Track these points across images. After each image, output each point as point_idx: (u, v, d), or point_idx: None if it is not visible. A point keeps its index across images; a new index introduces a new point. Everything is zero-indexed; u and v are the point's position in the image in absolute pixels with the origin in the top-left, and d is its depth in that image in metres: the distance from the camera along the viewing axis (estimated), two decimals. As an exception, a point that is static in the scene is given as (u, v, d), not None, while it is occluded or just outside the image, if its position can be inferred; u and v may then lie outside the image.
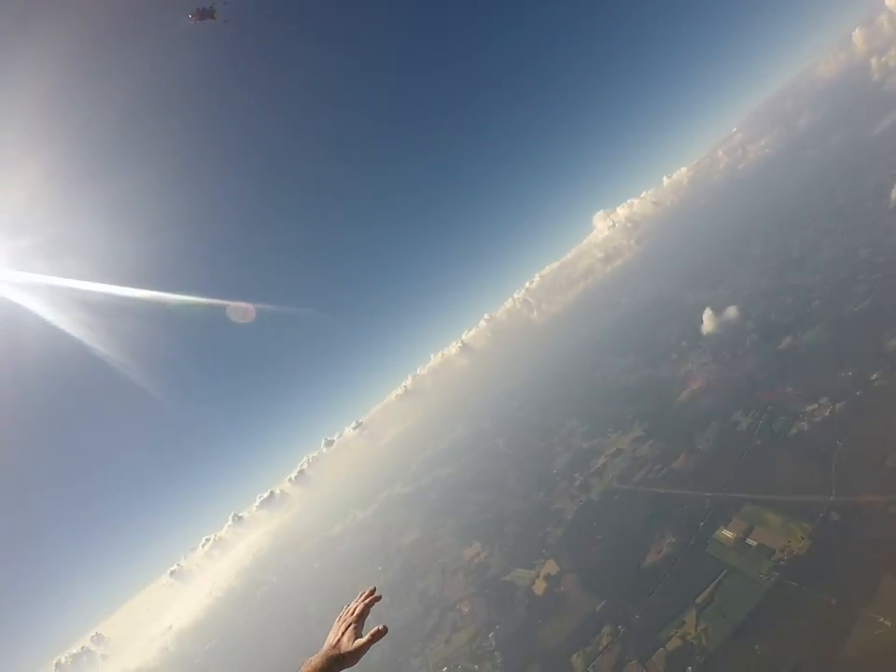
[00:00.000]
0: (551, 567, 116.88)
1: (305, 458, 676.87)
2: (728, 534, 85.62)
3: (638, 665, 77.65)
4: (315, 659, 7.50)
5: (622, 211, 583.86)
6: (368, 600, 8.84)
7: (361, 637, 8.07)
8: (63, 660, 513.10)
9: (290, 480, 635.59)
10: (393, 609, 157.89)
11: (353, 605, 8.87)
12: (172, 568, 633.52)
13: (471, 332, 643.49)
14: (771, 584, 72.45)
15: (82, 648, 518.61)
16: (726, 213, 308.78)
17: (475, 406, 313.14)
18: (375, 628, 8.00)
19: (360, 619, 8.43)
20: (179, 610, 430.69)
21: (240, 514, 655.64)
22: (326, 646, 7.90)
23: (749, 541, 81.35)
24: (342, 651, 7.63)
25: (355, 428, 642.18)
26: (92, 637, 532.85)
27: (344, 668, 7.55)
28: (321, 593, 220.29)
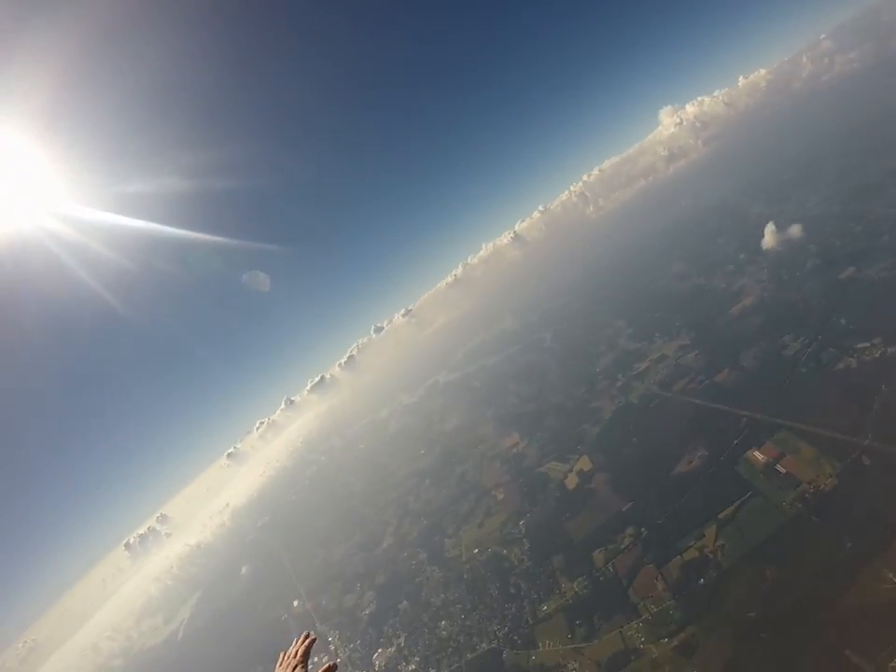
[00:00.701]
0: (584, 463, 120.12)
1: (355, 344, 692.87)
2: (759, 456, 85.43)
3: (654, 568, 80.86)
4: None
5: (691, 109, 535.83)
6: (307, 642, 9.58)
7: None
8: (131, 540, 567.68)
9: (340, 365, 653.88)
10: (432, 492, 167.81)
11: (292, 649, 9.62)
12: (229, 451, 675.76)
13: (524, 223, 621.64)
14: (792, 514, 72.75)
15: (148, 528, 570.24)
16: (803, 125, 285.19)
17: (524, 298, 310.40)
18: (326, 665, 8.62)
19: (304, 659, 9.10)
20: (235, 490, 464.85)
21: (292, 399, 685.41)
22: None
23: (779, 468, 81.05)
24: None
25: (404, 316, 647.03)
26: (157, 517, 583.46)
27: None
28: (366, 472, 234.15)
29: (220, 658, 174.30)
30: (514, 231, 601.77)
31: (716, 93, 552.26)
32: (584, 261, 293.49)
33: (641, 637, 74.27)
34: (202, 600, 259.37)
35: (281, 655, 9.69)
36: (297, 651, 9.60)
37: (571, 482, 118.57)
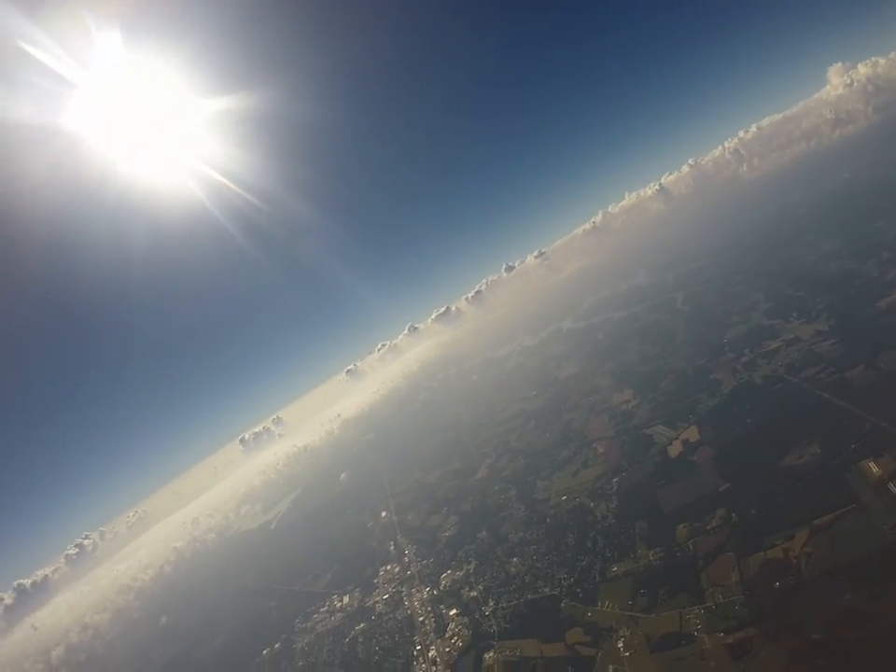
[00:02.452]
0: (692, 433, 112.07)
1: (484, 280, 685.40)
2: (874, 468, 73.46)
3: (734, 558, 74.08)
4: None
5: (864, 69, 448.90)
6: None
7: None
8: (247, 436, 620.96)
9: (467, 298, 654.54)
10: (536, 433, 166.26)
11: None
12: (348, 368, 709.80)
13: (671, 176, 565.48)
14: (892, 540, 62.24)
15: (264, 427, 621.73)
16: None
17: (661, 256, 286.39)
18: None
19: None
20: (348, 403, 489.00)
21: (416, 325, 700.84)
22: None
23: (891, 486, 69.50)
24: None
25: (536, 257, 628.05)
26: (273, 419, 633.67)
27: None
28: (475, 405, 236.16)
29: (305, 551, 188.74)
30: (660, 184, 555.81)
31: (893, 55, 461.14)
32: (730, 225, 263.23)
33: (698, 624, 68.98)
34: (299, 497, 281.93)
35: None
36: None
37: (675, 449, 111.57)
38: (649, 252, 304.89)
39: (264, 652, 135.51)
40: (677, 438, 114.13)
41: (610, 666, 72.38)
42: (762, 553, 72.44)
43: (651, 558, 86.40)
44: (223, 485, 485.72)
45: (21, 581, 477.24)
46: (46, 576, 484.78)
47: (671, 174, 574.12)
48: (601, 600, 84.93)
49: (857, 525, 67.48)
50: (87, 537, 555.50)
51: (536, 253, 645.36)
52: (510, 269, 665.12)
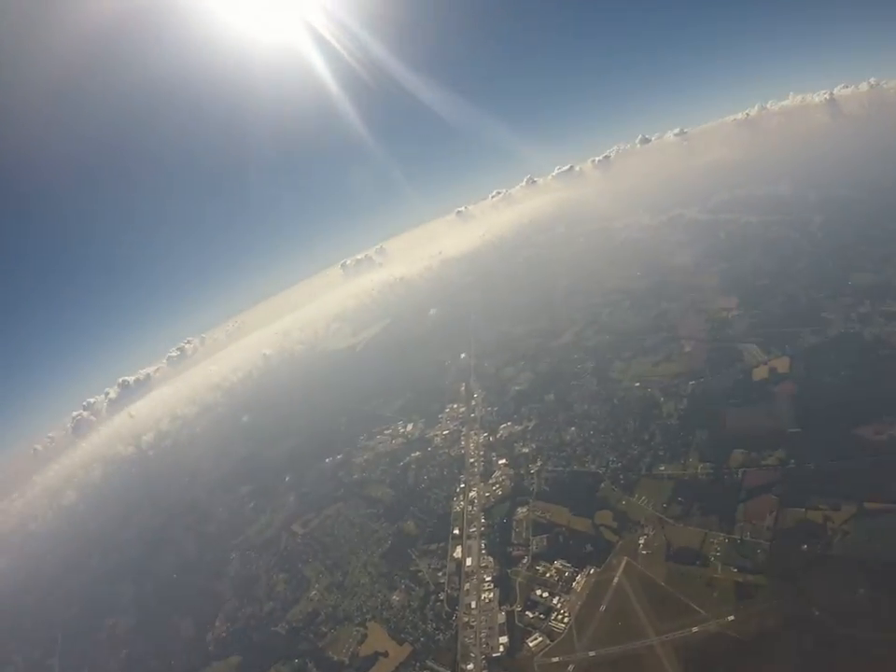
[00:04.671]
0: (782, 364, 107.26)
1: (616, 147, 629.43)
2: None
3: (776, 503, 75.04)
4: None
5: None
6: None
7: None
8: (349, 262, 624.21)
9: (593, 161, 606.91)
10: (629, 314, 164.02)
11: None
12: (459, 209, 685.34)
13: (847, 90, 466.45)
14: None
15: (365, 255, 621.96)
16: None
17: (812, 171, 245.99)
18: None
19: None
20: (453, 243, 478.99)
21: (535, 179, 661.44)
22: None
23: None
24: None
25: (676, 135, 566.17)
26: (376, 249, 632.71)
27: None
28: (577, 271, 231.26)
29: (383, 376, 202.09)
30: (831, 93, 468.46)
31: None
32: None
33: (718, 551, 72.35)
34: (388, 326, 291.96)
35: None
36: None
37: (760, 373, 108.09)
38: (800, 162, 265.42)
39: (327, 460, 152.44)
40: (766, 363, 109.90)
41: (625, 558, 78.31)
42: (803, 509, 72.42)
43: (700, 471, 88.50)
44: (319, 304, 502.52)
45: (126, 377, 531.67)
46: (148, 374, 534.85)
47: (847, 86, 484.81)
48: (639, 493, 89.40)
49: None
50: (189, 341, 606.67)
51: (677, 130, 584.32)
52: (645, 141, 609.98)
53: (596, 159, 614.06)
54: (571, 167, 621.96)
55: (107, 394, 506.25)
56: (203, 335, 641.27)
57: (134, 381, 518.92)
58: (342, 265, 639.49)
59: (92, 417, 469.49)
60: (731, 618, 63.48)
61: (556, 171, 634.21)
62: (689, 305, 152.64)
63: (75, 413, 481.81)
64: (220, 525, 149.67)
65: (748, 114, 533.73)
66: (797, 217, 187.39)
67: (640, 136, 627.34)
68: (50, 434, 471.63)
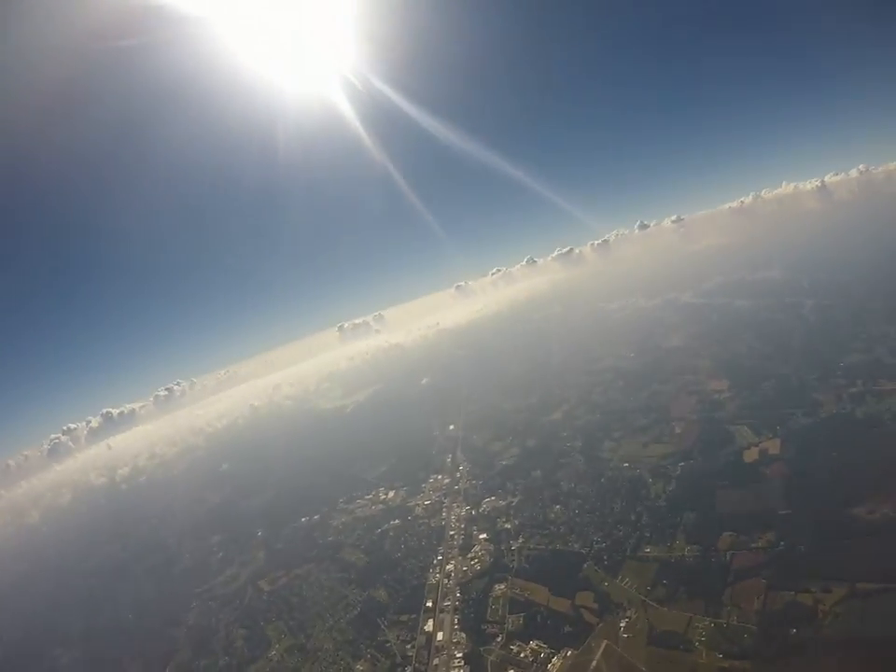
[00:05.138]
0: (773, 445, 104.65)
1: (615, 232, 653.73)
2: None
3: (764, 587, 70.34)
4: None
5: None
6: None
7: None
8: (346, 325, 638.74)
9: (592, 245, 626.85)
10: (620, 394, 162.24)
11: None
12: (459, 284, 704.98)
13: (837, 177, 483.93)
14: None
15: (363, 321, 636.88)
16: None
17: (804, 256, 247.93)
18: None
19: None
20: (450, 315, 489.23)
21: (535, 259, 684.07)
22: None
23: None
24: None
25: (674, 222, 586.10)
26: (375, 316, 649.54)
27: None
28: (571, 349, 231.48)
29: (368, 440, 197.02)
30: (822, 181, 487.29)
31: None
32: (890, 245, 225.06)
33: (703, 636, 67.40)
34: (379, 391, 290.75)
35: None
36: None
37: (751, 455, 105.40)
38: (792, 249, 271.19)
39: (303, 519, 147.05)
40: (757, 445, 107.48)
41: (605, 640, 73.05)
42: (792, 592, 68.45)
43: (687, 553, 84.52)
44: (312, 363, 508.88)
45: (110, 409, 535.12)
46: (133, 409, 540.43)
47: (837, 174, 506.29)
48: (623, 575, 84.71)
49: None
50: (178, 383, 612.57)
51: (674, 217, 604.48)
52: (643, 227, 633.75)
53: (595, 242, 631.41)
54: (571, 249, 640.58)
55: (89, 422, 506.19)
56: (194, 379, 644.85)
57: (118, 414, 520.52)
58: (339, 327, 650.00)
59: (70, 443, 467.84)
60: (715, 705, 58.44)
61: (556, 252, 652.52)
62: (680, 386, 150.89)
63: (53, 436, 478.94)
64: (185, 571, 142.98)
65: (742, 202, 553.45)
66: (789, 300, 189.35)
67: (639, 222, 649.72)
68: (25, 452, 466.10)
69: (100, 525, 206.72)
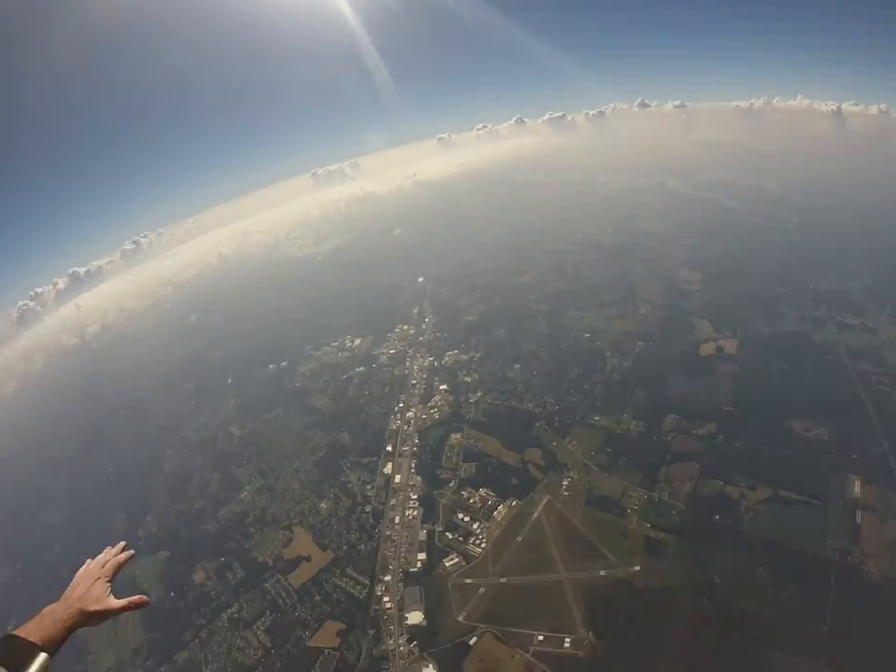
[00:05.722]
0: (730, 345, 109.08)
1: (613, 104, 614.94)
2: (857, 488, 71.90)
3: (697, 471, 77.29)
4: (59, 610, 6.50)
5: None
6: (121, 557, 7.76)
7: (112, 595, 7.03)
8: (320, 172, 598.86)
9: (587, 115, 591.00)
10: (592, 267, 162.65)
11: (102, 556, 7.75)
12: (441, 135, 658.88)
13: (857, 107, 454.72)
14: (826, 556, 63.86)
15: (338, 167, 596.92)
16: None
17: (800, 174, 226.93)
18: (137, 597, 7.02)
19: (112, 575, 7.35)
20: (428, 167, 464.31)
21: (524, 119, 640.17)
22: (69, 597, 6.81)
23: (858, 513, 68.51)
24: (88, 609, 6.62)
25: (676, 107, 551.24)
26: (350, 163, 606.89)
27: (88, 625, 6.65)
28: (548, 215, 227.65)
29: (337, 289, 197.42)
30: (839, 108, 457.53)
31: None
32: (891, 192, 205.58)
33: (636, 505, 74.61)
34: (351, 240, 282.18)
35: (87, 562, 7.51)
36: (106, 562, 7.50)
37: (707, 349, 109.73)
38: (791, 163, 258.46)
39: (271, 366, 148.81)
40: (715, 341, 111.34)
41: (547, 496, 79.42)
42: (722, 482, 74.93)
43: (632, 427, 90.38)
44: (284, 210, 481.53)
45: (76, 269, 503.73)
46: (100, 266, 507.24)
47: (856, 105, 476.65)
48: (571, 438, 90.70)
49: (809, 520, 67.91)
50: (145, 235, 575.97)
51: (677, 102, 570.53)
52: (643, 105, 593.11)
53: (590, 112, 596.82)
54: (563, 115, 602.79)
55: (55, 284, 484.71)
56: (161, 230, 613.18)
57: (85, 272, 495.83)
58: (312, 174, 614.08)
59: (39, 308, 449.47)
60: (637, 568, 65.92)
61: (547, 116, 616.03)
62: (652, 271, 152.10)
63: (21, 303, 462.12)
64: (159, 422, 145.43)
65: (752, 104, 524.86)
66: (777, 213, 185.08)
67: (640, 99, 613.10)
68: None
69: (74, 387, 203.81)
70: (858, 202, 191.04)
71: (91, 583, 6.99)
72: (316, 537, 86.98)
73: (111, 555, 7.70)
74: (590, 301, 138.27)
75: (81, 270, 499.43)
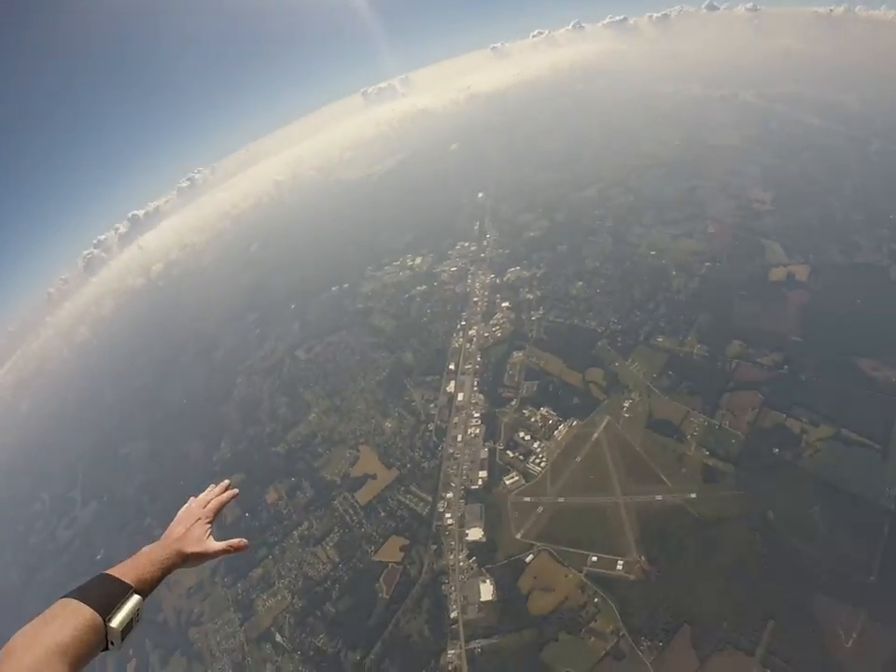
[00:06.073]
0: (802, 271, 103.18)
1: (679, 7, 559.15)
2: None
3: (760, 401, 77.55)
4: (156, 550, 6.19)
5: None
6: (224, 497, 7.52)
7: (212, 538, 6.87)
8: (370, 90, 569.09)
9: (651, 17, 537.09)
10: (658, 182, 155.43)
11: (204, 495, 7.52)
12: (494, 45, 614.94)
13: None
14: (882, 505, 62.95)
15: (389, 84, 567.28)
16: None
17: (888, 89, 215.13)
18: (237, 540, 6.88)
19: (213, 516, 7.15)
20: (483, 79, 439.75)
21: (583, 24, 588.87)
22: (168, 538, 6.68)
23: None
24: (186, 551, 6.42)
25: (749, 10, 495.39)
26: (401, 78, 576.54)
27: (185, 566, 6.50)
28: (611, 127, 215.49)
29: (395, 209, 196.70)
30: None
31: None
32: None
33: (696, 431, 75.82)
34: (406, 159, 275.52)
35: (189, 501, 7.41)
36: (208, 502, 7.38)
37: (777, 274, 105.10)
38: (876, 80, 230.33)
39: (333, 289, 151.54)
40: (786, 266, 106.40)
41: (608, 417, 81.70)
42: (783, 415, 74.63)
43: (696, 350, 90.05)
44: (336, 132, 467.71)
45: (135, 211, 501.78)
46: (158, 206, 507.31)
47: None
48: (633, 358, 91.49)
49: (869, 464, 66.98)
50: (199, 171, 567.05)
51: (749, 5, 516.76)
52: (712, 7, 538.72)
53: (655, 15, 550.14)
54: (625, 18, 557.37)
55: (117, 229, 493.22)
56: (215, 164, 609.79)
57: (144, 214, 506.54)
58: (363, 93, 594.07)
59: (104, 254, 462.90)
60: (693, 496, 68.11)
61: (608, 19, 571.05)
62: (722, 188, 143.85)
63: (86, 252, 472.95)
64: (227, 352, 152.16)
65: (831, 10, 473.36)
66: (858, 133, 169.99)
67: (708, 1, 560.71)
68: (63, 276, 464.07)
69: (144, 325, 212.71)
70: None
71: (191, 524, 6.89)
72: (382, 455, 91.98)
73: (213, 494, 7.57)
74: (656, 218, 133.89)
75: (140, 212, 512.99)
